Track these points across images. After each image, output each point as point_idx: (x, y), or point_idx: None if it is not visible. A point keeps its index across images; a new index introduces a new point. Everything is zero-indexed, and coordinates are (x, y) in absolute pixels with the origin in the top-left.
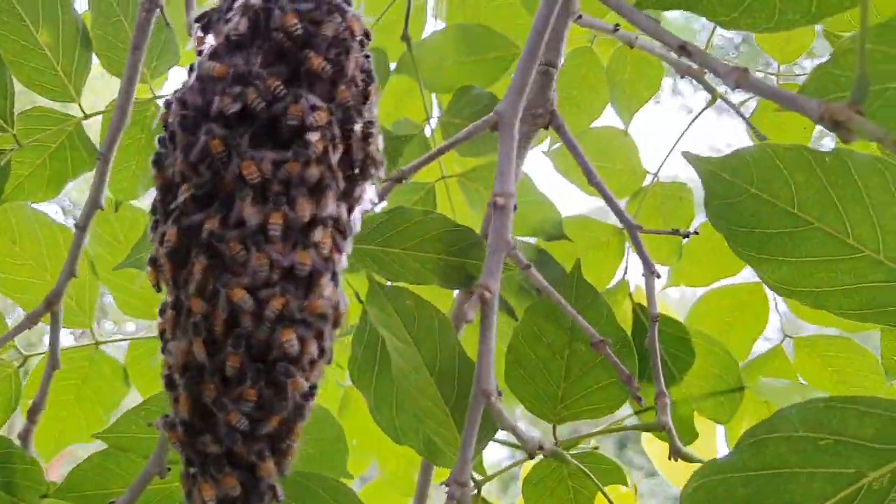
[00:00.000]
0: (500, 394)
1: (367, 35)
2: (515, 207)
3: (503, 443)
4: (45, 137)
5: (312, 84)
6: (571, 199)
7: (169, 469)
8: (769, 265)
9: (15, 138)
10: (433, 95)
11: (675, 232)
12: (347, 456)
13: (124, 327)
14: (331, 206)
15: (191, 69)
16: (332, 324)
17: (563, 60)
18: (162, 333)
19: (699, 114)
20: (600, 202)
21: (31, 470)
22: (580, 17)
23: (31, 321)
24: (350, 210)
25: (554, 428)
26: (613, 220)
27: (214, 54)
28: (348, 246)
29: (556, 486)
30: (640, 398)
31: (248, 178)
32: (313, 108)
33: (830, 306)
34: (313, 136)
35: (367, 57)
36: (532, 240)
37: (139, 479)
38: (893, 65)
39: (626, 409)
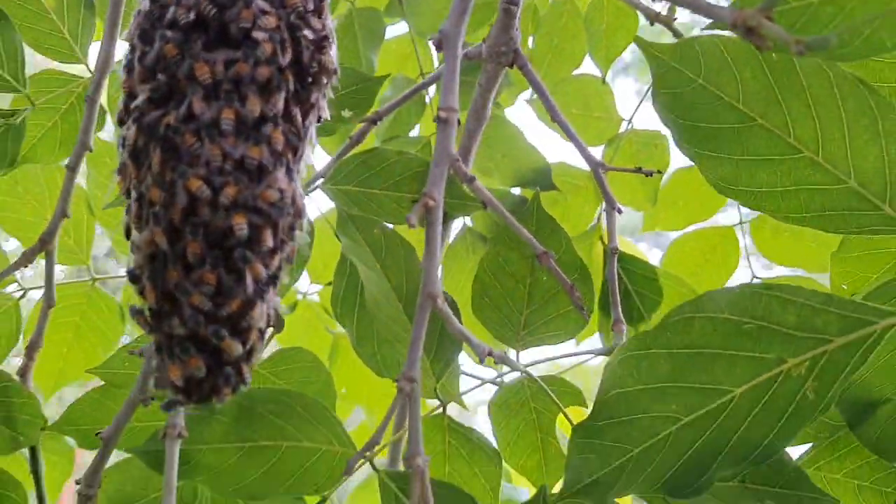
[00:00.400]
0: (449, 299)
1: None
2: (459, 122)
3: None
4: (55, 98)
5: None
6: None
7: (153, 399)
8: (712, 162)
9: (28, 98)
10: (433, 54)
11: (639, 170)
12: (335, 403)
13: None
14: (280, 105)
15: None
16: (291, 218)
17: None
18: (127, 231)
19: None
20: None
21: (28, 404)
22: None
23: (26, 259)
24: (305, 115)
25: (517, 354)
26: None
27: None
28: (306, 150)
29: (520, 408)
30: (582, 307)
31: (201, 77)
32: (262, 12)
33: (770, 208)
34: (261, 36)
35: None
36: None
37: (124, 408)
38: None
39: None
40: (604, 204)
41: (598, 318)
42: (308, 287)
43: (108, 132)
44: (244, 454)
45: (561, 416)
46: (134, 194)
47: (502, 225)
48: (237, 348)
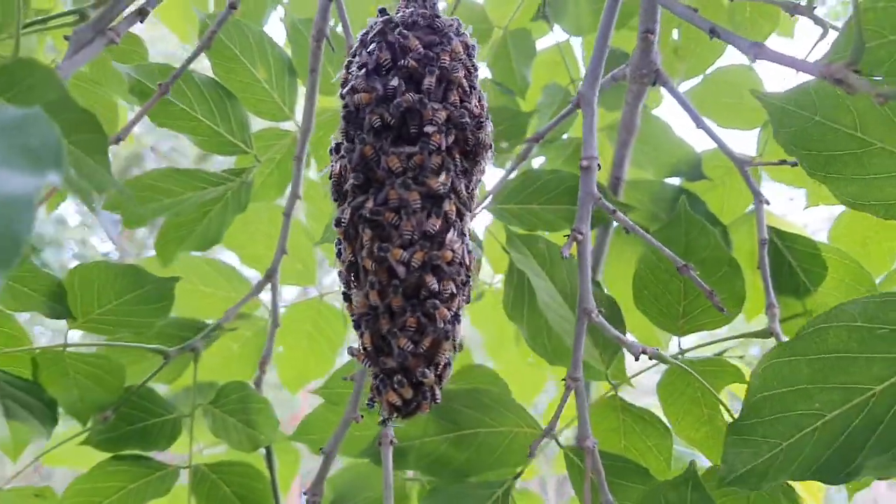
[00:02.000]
0: (601, 311)
1: (472, 48)
2: (599, 167)
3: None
4: (273, 151)
5: (431, 93)
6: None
7: (362, 416)
8: (840, 182)
9: (255, 157)
10: (579, 59)
11: (783, 162)
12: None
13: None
14: (450, 182)
15: (344, 93)
16: (465, 268)
17: (659, 27)
18: (346, 290)
19: (812, 48)
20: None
21: (264, 409)
22: None
23: (258, 289)
24: (469, 182)
25: (679, 340)
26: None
27: (361, 81)
28: (473, 210)
29: (686, 388)
30: (722, 309)
31: (393, 168)
32: (434, 110)
33: None
34: (432, 130)
35: (475, 67)
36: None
37: (341, 425)
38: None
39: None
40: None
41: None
42: (493, 278)
43: (312, 169)
44: (451, 443)
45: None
46: (349, 263)
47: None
48: (433, 378)
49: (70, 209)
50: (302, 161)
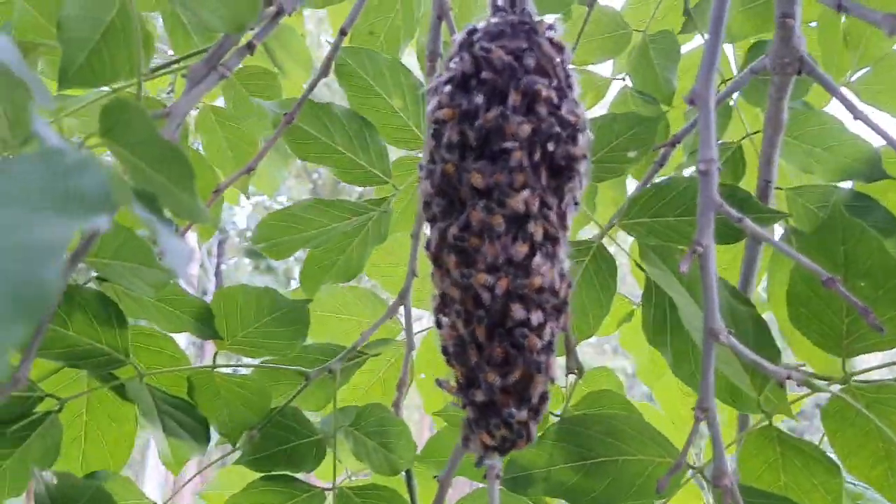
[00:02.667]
0: (730, 332)
1: (564, 50)
2: (719, 169)
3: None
4: (411, 180)
5: (515, 107)
6: None
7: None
8: None
9: (394, 186)
10: (731, 59)
11: None
12: None
13: None
14: (537, 202)
15: (430, 110)
16: (556, 294)
17: (799, 9)
18: (437, 321)
19: None
20: None
21: (402, 432)
22: None
23: (390, 313)
24: (561, 200)
25: (843, 362)
26: None
27: (445, 97)
28: (566, 231)
29: (856, 417)
30: (881, 328)
31: (476, 186)
32: (517, 125)
33: None
34: (512, 147)
35: (567, 75)
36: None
37: (454, 453)
38: None
39: None
40: None
41: None
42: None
43: None
44: (586, 471)
45: None
46: (439, 291)
47: (809, 233)
48: (525, 416)
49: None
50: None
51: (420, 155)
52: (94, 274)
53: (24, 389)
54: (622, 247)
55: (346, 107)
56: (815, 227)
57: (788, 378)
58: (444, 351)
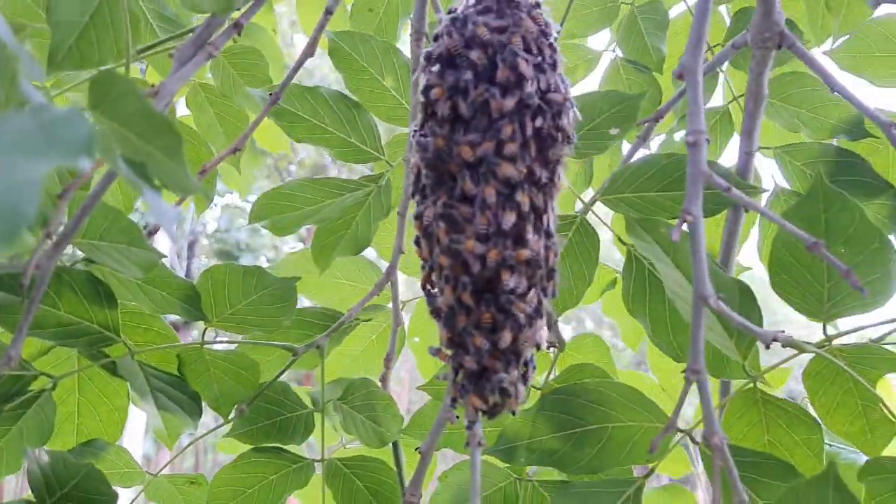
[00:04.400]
0: (719, 296)
1: (549, 26)
2: (708, 141)
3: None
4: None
5: (503, 83)
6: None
7: (457, 417)
8: None
9: (387, 162)
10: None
11: None
12: None
13: None
14: (527, 173)
15: (420, 86)
16: (545, 263)
17: None
18: (425, 290)
19: None
20: None
21: (389, 405)
22: None
23: (376, 290)
24: (552, 172)
25: (824, 326)
26: None
27: (434, 75)
28: (554, 202)
29: (835, 377)
30: (862, 289)
31: (466, 158)
32: (504, 98)
33: None
34: (501, 121)
35: (553, 51)
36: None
37: (435, 425)
38: None
39: None
40: None
41: None
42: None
43: None
44: (576, 439)
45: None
46: (428, 261)
47: (792, 200)
48: (515, 376)
49: None
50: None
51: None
52: (82, 255)
53: (18, 368)
54: (603, 220)
55: (332, 88)
56: (798, 198)
57: (775, 340)
58: (435, 316)
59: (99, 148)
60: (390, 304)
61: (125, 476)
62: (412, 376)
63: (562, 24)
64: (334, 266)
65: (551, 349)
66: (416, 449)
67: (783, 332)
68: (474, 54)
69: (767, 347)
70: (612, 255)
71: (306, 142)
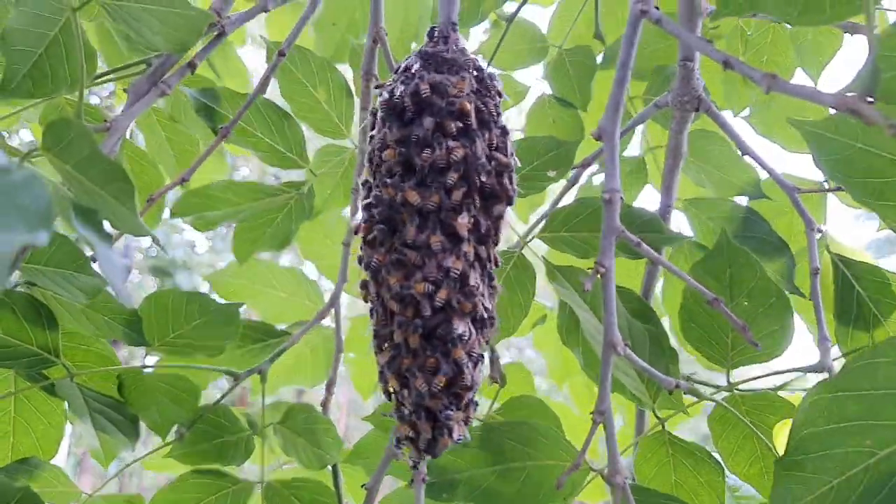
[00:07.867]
0: (627, 344)
1: (492, 87)
2: (622, 199)
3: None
4: (334, 166)
5: (454, 136)
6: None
7: (402, 454)
8: (887, 209)
9: (312, 172)
10: None
11: (839, 189)
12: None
13: None
14: (472, 223)
15: (366, 138)
16: (485, 309)
17: (698, 55)
18: (374, 332)
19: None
20: None
21: (329, 430)
22: (711, 12)
23: (318, 318)
24: (494, 225)
25: (728, 372)
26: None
27: (378, 127)
28: (495, 250)
29: (737, 422)
30: (756, 344)
31: (413, 203)
32: (452, 148)
33: None
34: (451, 175)
35: (497, 110)
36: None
37: (381, 463)
38: None
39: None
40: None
41: (835, 327)
42: (555, 301)
43: None
44: (498, 475)
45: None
46: (375, 303)
47: (698, 257)
48: (458, 416)
49: (200, 236)
50: (359, 192)
51: (343, 144)
52: (23, 279)
53: None
54: (538, 254)
55: (266, 98)
56: (704, 255)
57: (676, 387)
58: (379, 360)
59: (55, 210)
60: (327, 322)
61: (61, 495)
62: (350, 399)
63: (491, 59)
64: (272, 277)
65: (493, 384)
66: (362, 486)
67: (688, 379)
68: (423, 109)
69: (670, 394)
70: (546, 289)
71: (235, 143)
